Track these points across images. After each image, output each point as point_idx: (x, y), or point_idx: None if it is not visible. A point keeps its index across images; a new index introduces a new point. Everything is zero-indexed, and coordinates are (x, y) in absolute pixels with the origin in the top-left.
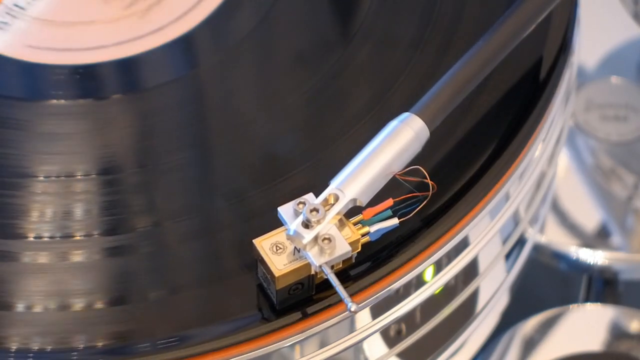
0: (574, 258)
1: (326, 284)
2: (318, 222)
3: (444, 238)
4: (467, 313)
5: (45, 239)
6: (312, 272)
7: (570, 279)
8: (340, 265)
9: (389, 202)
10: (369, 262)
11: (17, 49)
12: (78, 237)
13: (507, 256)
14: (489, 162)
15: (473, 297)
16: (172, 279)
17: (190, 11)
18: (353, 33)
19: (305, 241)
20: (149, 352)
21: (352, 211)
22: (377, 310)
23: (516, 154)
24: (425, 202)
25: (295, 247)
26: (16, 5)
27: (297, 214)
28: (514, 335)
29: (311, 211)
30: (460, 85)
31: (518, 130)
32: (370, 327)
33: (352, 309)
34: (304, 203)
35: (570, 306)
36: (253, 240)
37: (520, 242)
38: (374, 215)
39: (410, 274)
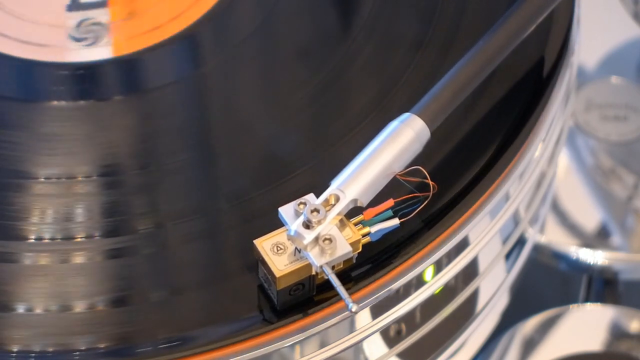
0: (574, 258)
1: (327, 285)
2: (319, 222)
3: (444, 238)
4: (467, 313)
5: (47, 241)
6: (313, 273)
7: (570, 279)
8: (341, 266)
9: (390, 202)
10: (370, 263)
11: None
12: (79, 239)
13: (507, 256)
14: (489, 162)
15: (473, 297)
16: (173, 281)
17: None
18: (355, 33)
19: (306, 242)
20: (151, 353)
21: (353, 211)
22: (377, 310)
23: (516, 154)
24: (426, 202)
25: (296, 248)
26: None
27: (297, 214)
28: (514, 335)
29: (312, 212)
30: (460, 85)
31: (518, 130)
32: (370, 327)
33: (353, 310)
34: (304, 203)
35: (570, 306)
36: (254, 241)
37: (520, 242)
38: (374, 216)
39: (410, 274)
